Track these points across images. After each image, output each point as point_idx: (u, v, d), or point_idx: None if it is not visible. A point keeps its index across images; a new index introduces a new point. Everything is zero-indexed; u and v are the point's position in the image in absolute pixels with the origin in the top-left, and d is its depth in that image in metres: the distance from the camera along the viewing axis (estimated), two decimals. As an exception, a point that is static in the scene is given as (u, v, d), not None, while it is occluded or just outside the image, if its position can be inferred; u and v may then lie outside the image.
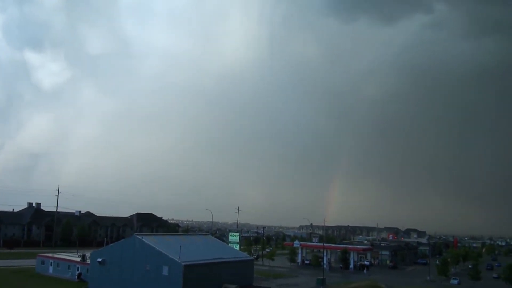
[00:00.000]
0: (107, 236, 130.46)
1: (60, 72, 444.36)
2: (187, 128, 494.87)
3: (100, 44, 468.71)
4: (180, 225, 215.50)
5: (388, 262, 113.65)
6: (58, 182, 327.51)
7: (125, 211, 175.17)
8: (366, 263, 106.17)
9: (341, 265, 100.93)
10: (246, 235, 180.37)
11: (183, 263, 48.36)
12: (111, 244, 62.88)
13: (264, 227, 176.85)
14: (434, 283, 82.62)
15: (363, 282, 73.50)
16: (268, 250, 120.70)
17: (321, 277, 70.68)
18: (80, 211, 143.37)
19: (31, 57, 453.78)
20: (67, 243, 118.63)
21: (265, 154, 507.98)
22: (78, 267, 64.28)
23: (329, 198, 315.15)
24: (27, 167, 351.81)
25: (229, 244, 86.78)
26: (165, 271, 49.15)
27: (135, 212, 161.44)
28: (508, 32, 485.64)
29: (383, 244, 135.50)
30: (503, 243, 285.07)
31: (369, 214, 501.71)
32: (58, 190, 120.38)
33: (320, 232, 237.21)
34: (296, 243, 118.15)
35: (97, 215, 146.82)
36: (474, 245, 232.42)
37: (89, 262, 59.81)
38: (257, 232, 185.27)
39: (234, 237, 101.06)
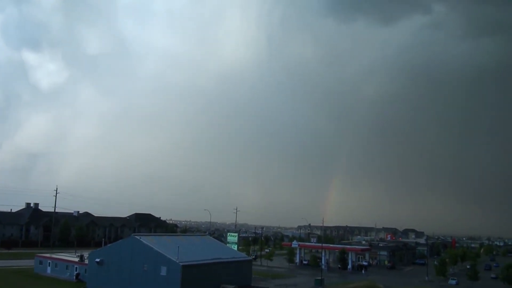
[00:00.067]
0: (105, 236, 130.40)
1: (58, 72, 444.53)
2: (185, 129, 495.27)
3: (98, 44, 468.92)
4: (178, 225, 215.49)
5: (386, 262, 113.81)
6: (56, 182, 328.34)
7: (123, 211, 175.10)
8: (364, 263, 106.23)
9: (339, 266, 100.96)
10: (244, 235, 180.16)
11: (181, 264, 48.37)
12: (109, 245, 62.85)
13: (262, 228, 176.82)
14: (432, 284, 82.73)
15: (361, 282, 73.52)
16: (268, 250, 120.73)
17: (320, 278, 70.70)
18: (78, 211, 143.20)
19: (29, 57, 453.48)
20: (65, 243, 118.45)
21: (264, 155, 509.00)
22: (76, 268, 64.13)
23: (327, 199, 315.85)
24: (25, 167, 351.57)
25: (227, 245, 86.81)
26: (163, 271, 49.16)
27: (133, 213, 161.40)
28: (507, 33, 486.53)
29: (381, 245, 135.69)
30: (501, 244, 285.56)
31: (368, 214, 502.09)
32: (56, 190, 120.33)
33: (319, 233, 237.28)
34: (295, 244, 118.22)
35: (95, 215, 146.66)
36: (472, 245, 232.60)
37: (87, 263, 59.75)
38: (255, 233, 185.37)
39: (232, 238, 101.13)
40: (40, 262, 69.91)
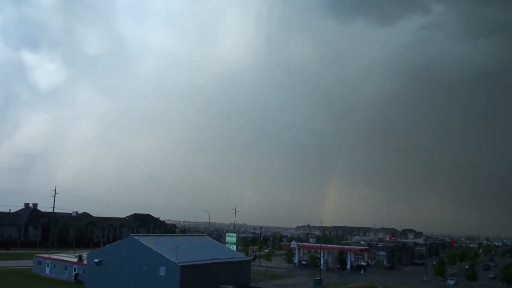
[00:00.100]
0: (104, 236, 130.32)
1: (57, 72, 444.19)
2: (185, 129, 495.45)
3: (97, 44, 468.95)
4: (177, 225, 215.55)
5: (385, 262, 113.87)
6: (55, 182, 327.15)
7: (122, 212, 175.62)
8: (363, 263, 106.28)
9: (338, 266, 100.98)
10: (243, 235, 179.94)
11: (180, 264, 48.37)
12: (108, 245, 62.76)
13: (261, 228, 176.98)
14: (431, 284, 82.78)
15: (360, 282, 73.58)
16: (267, 250, 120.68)
17: (318, 278, 70.69)
18: (77, 212, 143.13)
19: (28, 57, 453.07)
20: (64, 244, 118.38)
21: (263, 155, 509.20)
22: (75, 268, 64.12)
23: (326, 199, 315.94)
24: (24, 168, 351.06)
25: (226, 245, 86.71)
26: (162, 271, 49.16)
27: (132, 213, 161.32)
28: (505, 33, 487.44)
29: (380, 245, 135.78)
30: (500, 244, 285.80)
31: (366, 214, 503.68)
32: (55, 191, 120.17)
33: (317, 233, 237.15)
34: (293, 244, 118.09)
35: (94, 215, 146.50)
36: (471, 245, 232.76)
37: (86, 263, 59.69)
38: (254, 233, 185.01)
39: (231, 238, 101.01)
40: (39, 263, 69.85)
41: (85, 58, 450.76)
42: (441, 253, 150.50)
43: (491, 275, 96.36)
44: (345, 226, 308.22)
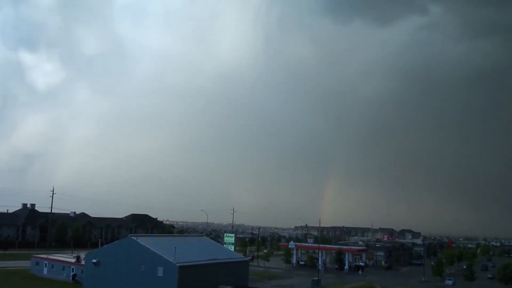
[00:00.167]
0: (102, 237, 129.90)
1: (55, 72, 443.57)
2: (183, 129, 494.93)
3: (95, 44, 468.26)
4: (175, 226, 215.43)
5: (383, 263, 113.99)
6: (52, 183, 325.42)
7: (120, 212, 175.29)
8: (361, 264, 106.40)
9: (336, 266, 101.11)
10: (241, 236, 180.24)
11: (178, 264, 48.32)
12: (106, 245, 62.64)
13: (259, 228, 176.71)
14: (429, 284, 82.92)
15: (358, 283, 73.70)
16: (266, 251, 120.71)
17: (316, 278, 70.73)
18: (74, 212, 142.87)
19: (26, 57, 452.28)
20: (62, 244, 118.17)
21: (261, 155, 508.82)
22: (72, 268, 64.06)
23: (324, 199, 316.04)
24: (22, 168, 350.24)
25: (224, 245, 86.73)
26: (160, 272, 49.09)
27: (130, 213, 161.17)
28: (503, 34, 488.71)
29: (378, 245, 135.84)
30: (498, 244, 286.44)
31: (364, 215, 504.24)
32: (53, 191, 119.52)
33: (315, 233, 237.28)
34: (291, 244, 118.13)
35: (92, 216, 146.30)
36: (469, 245, 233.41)
37: (83, 263, 59.57)
38: (252, 233, 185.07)
39: (229, 238, 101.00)
40: (37, 263, 69.73)
41: (83, 58, 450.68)
42: (439, 253, 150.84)
43: (489, 275, 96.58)
44: (343, 227, 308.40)
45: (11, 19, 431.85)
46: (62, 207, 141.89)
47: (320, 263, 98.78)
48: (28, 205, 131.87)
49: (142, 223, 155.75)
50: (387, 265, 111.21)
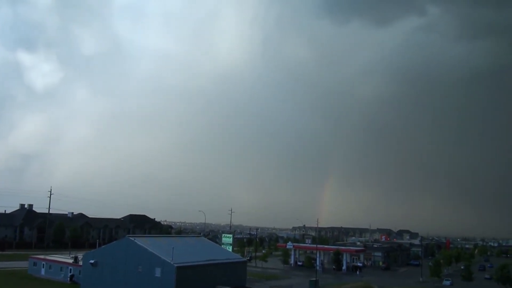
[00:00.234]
0: (100, 237, 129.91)
1: (53, 72, 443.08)
2: (182, 129, 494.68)
3: (94, 44, 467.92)
4: (173, 226, 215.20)
5: (380, 263, 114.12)
6: (50, 183, 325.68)
7: (118, 213, 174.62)
8: (359, 264, 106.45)
9: (334, 267, 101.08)
10: (239, 236, 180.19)
11: (175, 265, 48.30)
12: (103, 246, 62.60)
13: (257, 229, 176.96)
14: (427, 284, 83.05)
15: (356, 283, 73.77)
16: (264, 251, 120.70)
17: (314, 279, 70.69)
18: (72, 213, 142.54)
19: (24, 57, 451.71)
20: (60, 245, 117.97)
21: (259, 156, 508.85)
22: (70, 269, 63.91)
23: (322, 200, 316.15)
24: (20, 168, 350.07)
25: (222, 246, 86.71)
26: (158, 272, 49.06)
27: (128, 214, 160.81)
28: (501, 35, 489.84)
29: (376, 246, 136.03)
30: (496, 244, 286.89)
31: (362, 215, 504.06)
32: (51, 192, 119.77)
33: (313, 234, 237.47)
34: (289, 245, 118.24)
35: (90, 216, 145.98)
36: (467, 246, 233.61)
37: (81, 264, 59.51)
38: (250, 234, 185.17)
39: (227, 239, 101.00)
40: (34, 264, 69.59)
41: (82, 59, 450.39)
42: (437, 253, 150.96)
43: (487, 276, 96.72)
44: (341, 227, 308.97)
45: (9, 19, 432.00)
46: (60, 207, 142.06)
47: (318, 263, 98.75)
48: (26, 206, 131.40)
49: (140, 224, 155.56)
50: (385, 265, 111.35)
